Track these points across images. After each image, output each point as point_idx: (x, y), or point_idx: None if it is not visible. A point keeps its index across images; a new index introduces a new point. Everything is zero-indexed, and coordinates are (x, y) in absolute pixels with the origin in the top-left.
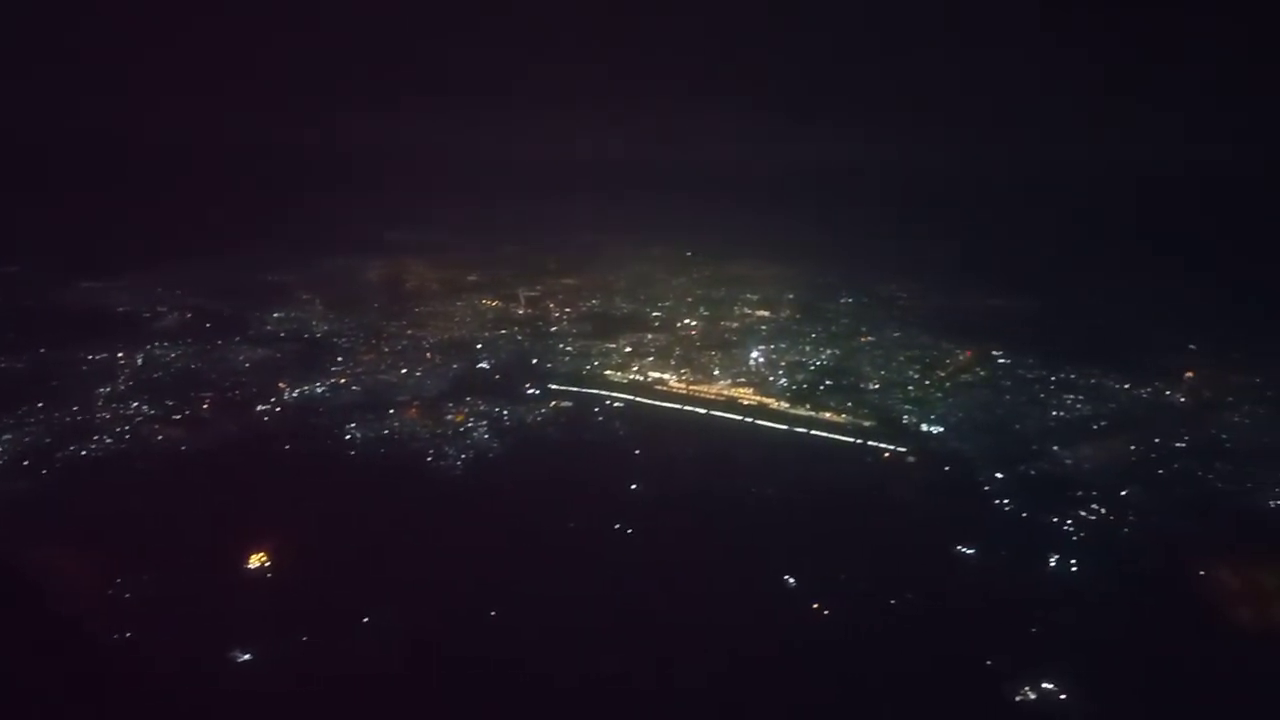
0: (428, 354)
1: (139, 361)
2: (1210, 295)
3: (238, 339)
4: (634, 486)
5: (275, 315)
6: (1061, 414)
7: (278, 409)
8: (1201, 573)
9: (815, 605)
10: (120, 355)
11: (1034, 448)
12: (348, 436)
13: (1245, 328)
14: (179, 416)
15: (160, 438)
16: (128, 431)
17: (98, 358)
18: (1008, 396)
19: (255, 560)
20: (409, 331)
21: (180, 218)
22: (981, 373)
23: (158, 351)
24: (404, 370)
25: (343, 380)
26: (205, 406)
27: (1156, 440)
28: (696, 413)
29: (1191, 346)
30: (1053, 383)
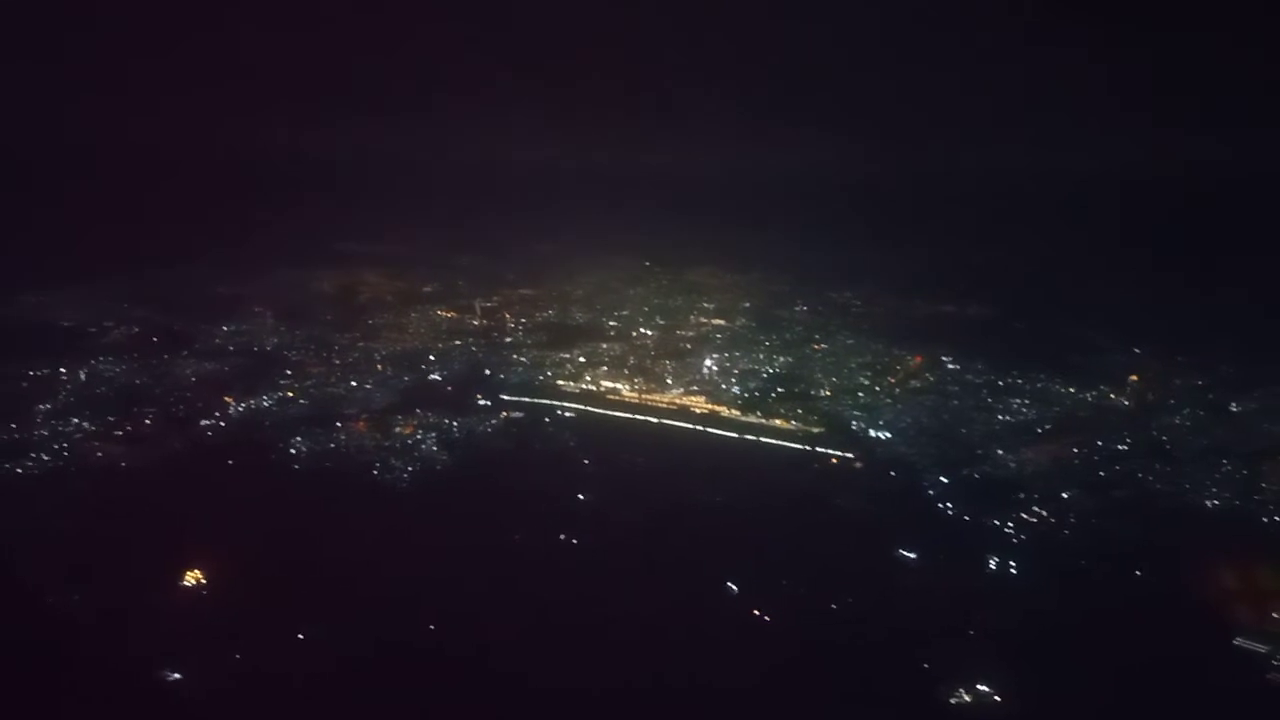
0: (378, 366)
1: (82, 377)
2: (1156, 299)
3: (184, 353)
4: (581, 496)
5: (224, 328)
6: (1006, 418)
7: (222, 424)
8: (1140, 574)
9: (756, 611)
10: (63, 370)
11: (978, 452)
12: (293, 450)
13: (1190, 331)
14: (120, 433)
15: (100, 454)
16: (66, 449)
17: (39, 373)
18: (955, 401)
19: (192, 577)
20: (360, 343)
21: (131, 229)
22: (930, 378)
23: (101, 366)
24: (353, 383)
25: (290, 394)
26: (148, 422)
27: (1099, 443)
28: (648, 422)
29: (1136, 350)
30: (999, 387)
